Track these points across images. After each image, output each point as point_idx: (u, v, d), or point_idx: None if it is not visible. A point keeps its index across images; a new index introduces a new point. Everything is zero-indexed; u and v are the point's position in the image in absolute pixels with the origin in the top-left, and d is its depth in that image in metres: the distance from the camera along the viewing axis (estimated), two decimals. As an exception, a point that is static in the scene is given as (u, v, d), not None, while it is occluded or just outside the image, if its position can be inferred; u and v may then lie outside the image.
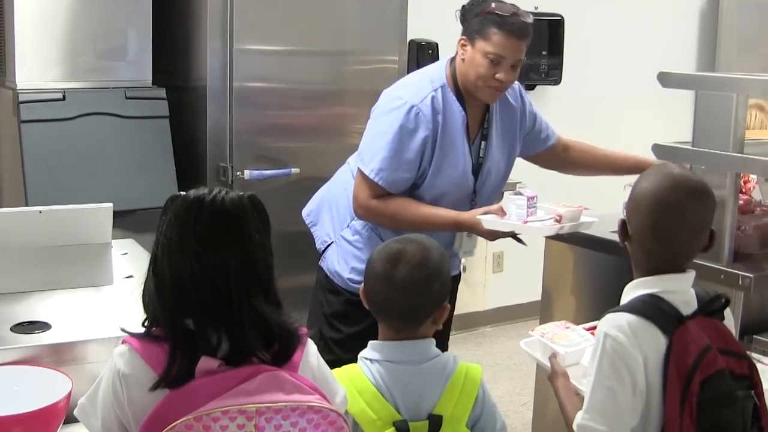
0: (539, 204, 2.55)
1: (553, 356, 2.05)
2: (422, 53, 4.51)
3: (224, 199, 1.61)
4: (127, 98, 3.51)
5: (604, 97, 5.35)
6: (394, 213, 2.56)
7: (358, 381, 1.74)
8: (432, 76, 2.64)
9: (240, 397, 1.49)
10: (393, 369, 1.75)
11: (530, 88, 5.05)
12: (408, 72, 4.27)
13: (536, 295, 3.09)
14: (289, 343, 1.61)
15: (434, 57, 4.52)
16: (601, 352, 1.72)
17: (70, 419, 1.75)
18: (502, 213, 2.51)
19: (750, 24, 5.77)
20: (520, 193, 2.52)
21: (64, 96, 3.40)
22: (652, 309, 1.73)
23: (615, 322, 1.72)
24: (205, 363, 1.53)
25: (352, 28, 3.86)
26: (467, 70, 2.56)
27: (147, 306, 1.61)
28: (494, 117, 2.70)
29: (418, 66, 4.48)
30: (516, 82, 2.74)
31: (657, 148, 2.67)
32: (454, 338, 3.43)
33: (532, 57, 4.90)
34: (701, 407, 1.67)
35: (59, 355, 1.93)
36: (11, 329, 2.01)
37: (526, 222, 2.49)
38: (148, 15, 3.60)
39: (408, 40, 4.18)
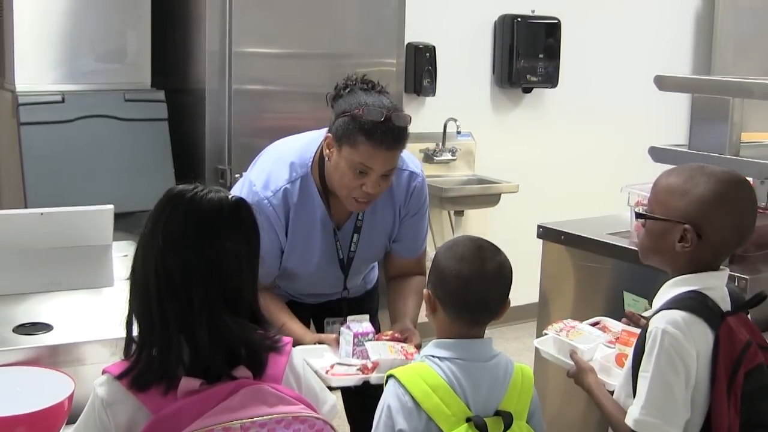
0: (374, 343, 2.22)
1: (574, 353, 2.07)
2: (420, 56, 4.54)
3: (203, 198, 1.54)
4: (126, 101, 3.53)
5: (601, 100, 5.37)
6: None
7: (430, 378, 1.76)
8: (297, 159, 2.36)
9: (223, 414, 1.46)
10: (464, 366, 1.78)
11: (527, 91, 5.07)
12: (406, 74, 4.31)
13: (533, 298, 3.09)
14: (255, 360, 1.56)
15: (432, 60, 4.55)
16: (659, 348, 1.74)
17: (72, 420, 1.76)
18: (336, 344, 2.27)
19: (745, 27, 5.80)
20: (350, 327, 2.25)
21: (63, 98, 3.41)
22: (700, 305, 1.78)
23: (670, 319, 1.76)
24: (187, 384, 1.49)
25: (350, 31, 3.88)
26: (331, 174, 2.27)
27: (130, 300, 1.57)
28: (370, 209, 2.39)
29: (416, 69, 4.52)
30: (420, 171, 2.45)
31: (653, 151, 2.68)
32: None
33: (529, 60, 4.93)
34: (744, 399, 1.74)
35: (61, 356, 1.95)
36: (13, 330, 2.02)
37: (329, 369, 2.18)
38: (147, 18, 3.62)
39: (406, 43, 4.21)
